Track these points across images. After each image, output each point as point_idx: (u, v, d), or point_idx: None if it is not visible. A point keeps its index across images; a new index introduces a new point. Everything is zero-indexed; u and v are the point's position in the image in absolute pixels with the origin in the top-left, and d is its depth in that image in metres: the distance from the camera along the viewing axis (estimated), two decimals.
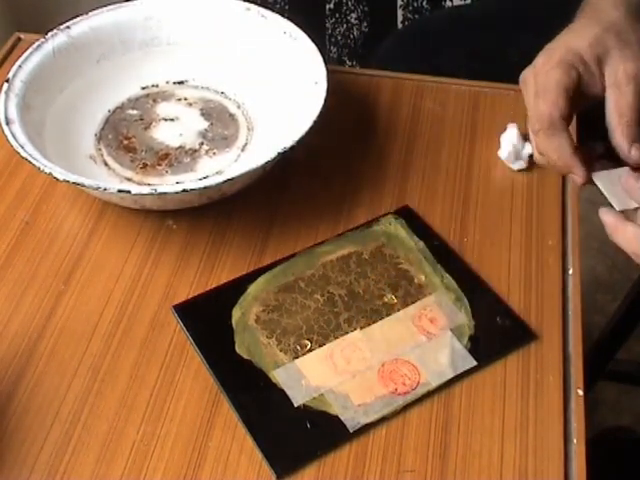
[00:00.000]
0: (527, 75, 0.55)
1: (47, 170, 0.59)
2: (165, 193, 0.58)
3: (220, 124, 0.71)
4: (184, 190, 0.58)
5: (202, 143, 0.69)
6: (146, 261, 0.62)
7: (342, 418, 0.52)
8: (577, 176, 0.52)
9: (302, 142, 0.61)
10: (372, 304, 0.58)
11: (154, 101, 0.73)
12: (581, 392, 0.54)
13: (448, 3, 1.51)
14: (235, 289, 0.59)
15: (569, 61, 0.52)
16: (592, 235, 1.48)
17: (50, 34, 0.70)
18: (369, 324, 0.57)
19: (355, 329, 0.56)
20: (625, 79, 0.51)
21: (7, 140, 0.61)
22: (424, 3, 1.49)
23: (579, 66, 0.52)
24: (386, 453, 0.51)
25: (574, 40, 0.53)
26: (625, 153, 0.52)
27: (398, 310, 0.58)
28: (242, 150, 0.68)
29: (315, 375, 0.54)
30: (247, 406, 0.52)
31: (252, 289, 0.59)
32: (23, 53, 0.68)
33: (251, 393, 0.53)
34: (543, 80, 0.52)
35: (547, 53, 0.54)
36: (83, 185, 0.58)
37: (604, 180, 0.52)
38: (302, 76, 0.68)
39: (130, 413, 0.53)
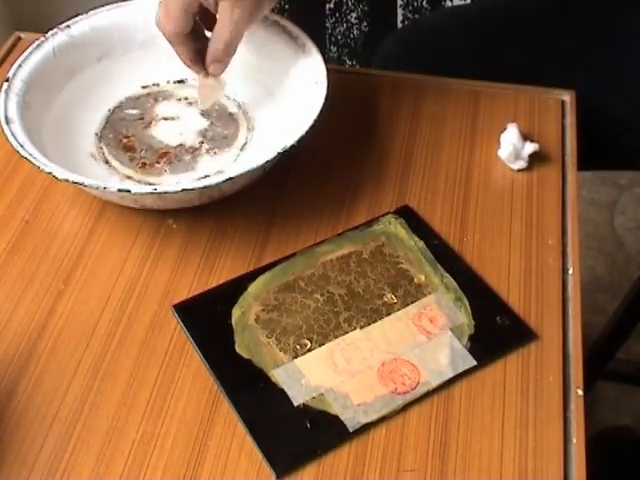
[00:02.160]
0: None
1: (47, 169, 0.59)
2: (165, 192, 0.58)
3: (220, 123, 0.71)
4: (184, 189, 0.58)
5: (202, 142, 0.69)
6: (146, 260, 0.62)
7: (342, 418, 0.52)
8: (195, 70, 0.65)
9: (302, 142, 0.61)
10: (372, 304, 0.58)
11: (154, 100, 0.73)
12: (581, 392, 0.54)
13: (448, 3, 1.51)
14: (235, 288, 0.59)
15: None
16: (592, 235, 1.49)
17: (50, 33, 0.70)
18: (369, 324, 0.57)
19: (355, 329, 0.57)
20: (227, 24, 0.60)
21: (7, 139, 0.61)
22: (424, 3, 1.49)
23: None
24: (386, 452, 0.51)
25: None
26: (207, 62, 0.64)
27: (398, 310, 0.58)
28: (242, 150, 0.68)
29: (315, 375, 0.54)
30: (247, 405, 0.53)
31: (252, 288, 0.59)
32: (23, 52, 0.68)
33: (251, 392, 0.53)
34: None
35: None
36: (83, 184, 0.58)
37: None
38: (302, 76, 0.68)
39: (130, 412, 0.53)
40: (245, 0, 0.59)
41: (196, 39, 0.64)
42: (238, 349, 0.56)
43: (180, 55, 0.64)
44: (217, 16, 0.61)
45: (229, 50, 0.63)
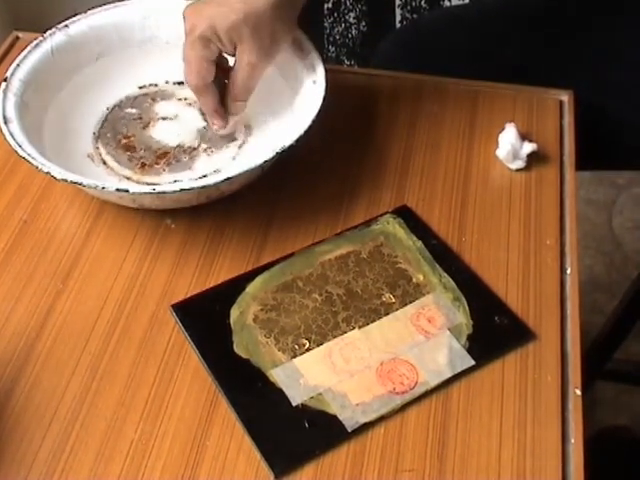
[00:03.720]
0: (187, 18, 0.62)
1: (45, 169, 0.59)
2: (163, 192, 0.58)
3: None
4: (182, 189, 0.58)
5: (200, 142, 0.69)
6: (144, 260, 0.62)
7: (340, 417, 0.52)
8: (217, 123, 0.66)
9: (300, 142, 0.61)
10: (370, 303, 0.58)
11: (153, 100, 0.73)
12: (579, 391, 0.54)
13: (446, 3, 1.51)
14: (233, 288, 0.59)
15: (208, 38, 0.60)
16: (590, 235, 1.49)
17: (48, 33, 0.70)
18: (367, 323, 0.57)
19: (353, 328, 0.57)
20: (244, 66, 0.62)
21: (5, 139, 0.61)
22: (422, 3, 1.49)
23: (215, 42, 0.61)
24: (384, 452, 0.51)
25: (218, 18, 0.60)
26: (227, 103, 0.66)
27: (396, 309, 0.58)
28: (240, 149, 0.68)
29: (313, 374, 0.54)
30: (245, 405, 0.52)
31: (250, 288, 0.59)
32: (21, 52, 0.68)
33: (249, 392, 0.53)
34: (189, 51, 0.61)
35: (194, 18, 0.61)
36: (81, 184, 0.58)
37: None
38: (300, 76, 0.68)
39: (128, 412, 0.53)
40: (262, 40, 0.61)
41: (220, 90, 0.65)
42: (236, 349, 0.56)
43: (204, 106, 0.66)
44: (235, 59, 0.62)
45: (248, 91, 0.64)
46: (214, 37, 0.60)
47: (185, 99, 0.73)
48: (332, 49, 1.61)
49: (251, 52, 0.61)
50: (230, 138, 0.69)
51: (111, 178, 0.66)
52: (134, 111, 0.72)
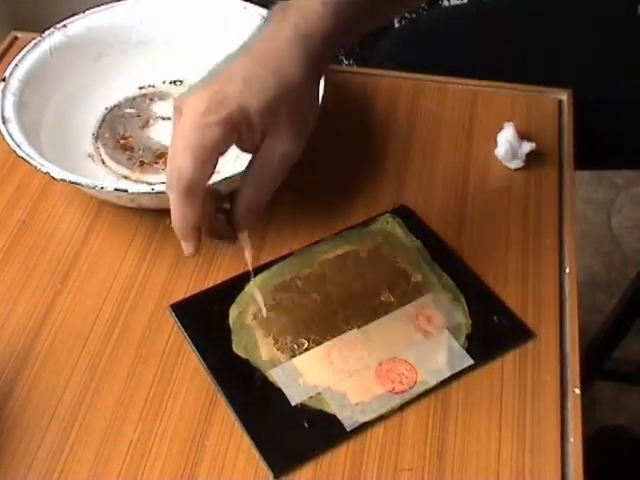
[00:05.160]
0: (183, 105, 0.45)
1: (44, 169, 0.59)
2: (162, 192, 0.58)
3: None
4: None
5: None
6: (143, 260, 0.62)
7: (339, 417, 0.52)
8: (188, 247, 0.47)
9: None
10: (369, 303, 0.58)
11: (151, 100, 0.73)
12: (578, 391, 0.54)
13: (445, 2, 1.52)
14: (232, 288, 0.59)
15: (235, 122, 0.45)
16: (589, 234, 1.49)
17: (47, 33, 0.70)
18: (366, 323, 0.57)
19: (352, 328, 0.57)
20: (277, 160, 0.47)
21: (4, 139, 0.61)
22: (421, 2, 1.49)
23: (243, 129, 0.45)
24: (383, 452, 0.51)
25: (249, 97, 0.45)
26: (235, 232, 0.50)
27: (395, 309, 0.58)
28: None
29: (312, 374, 0.54)
30: (244, 405, 0.52)
31: (249, 288, 0.59)
32: (20, 52, 0.68)
33: (248, 392, 0.53)
34: (200, 135, 0.44)
35: (211, 98, 0.44)
36: (80, 184, 0.58)
37: None
38: None
39: (127, 412, 0.53)
40: (299, 122, 0.47)
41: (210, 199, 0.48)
42: (235, 349, 0.56)
43: (188, 217, 0.46)
44: (260, 152, 0.48)
45: (272, 192, 0.49)
46: (244, 121, 0.45)
47: None
48: None
49: (286, 139, 0.47)
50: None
51: (110, 178, 0.66)
52: (133, 111, 0.72)
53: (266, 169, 0.48)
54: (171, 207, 0.46)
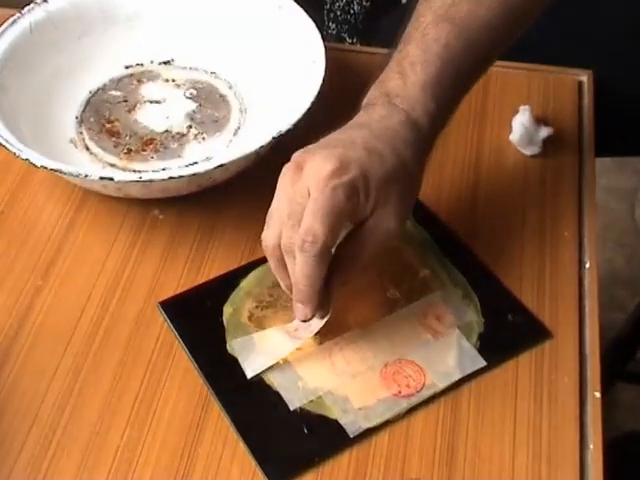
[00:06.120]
0: (305, 163, 0.50)
1: (24, 156, 0.59)
2: (151, 180, 0.58)
3: (210, 106, 0.70)
4: (171, 177, 0.58)
5: (190, 127, 0.69)
6: (130, 254, 0.62)
7: (342, 422, 0.52)
8: (305, 310, 0.51)
9: (299, 125, 0.61)
10: (374, 300, 0.58)
11: (139, 82, 0.73)
12: (598, 394, 0.54)
13: None
14: (226, 284, 0.59)
15: (357, 188, 0.49)
16: (610, 226, 1.49)
17: (26, 9, 0.70)
18: (371, 322, 0.57)
19: (356, 327, 0.56)
20: (380, 236, 0.51)
21: None
22: None
23: (361, 196, 0.50)
24: (389, 460, 0.51)
25: (370, 165, 0.50)
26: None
27: (402, 307, 0.58)
28: (234, 134, 0.68)
29: (313, 376, 0.54)
30: (239, 409, 0.52)
31: (244, 284, 0.59)
32: None
33: (244, 396, 0.53)
34: (329, 199, 0.48)
35: (341, 158, 0.49)
36: (62, 172, 0.58)
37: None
38: (299, 54, 0.68)
39: (114, 417, 0.53)
40: (406, 202, 0.52)
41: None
42: (230, 349, 0.56)
43: (312, 279, 0.49)
44: (366, 225, 0.51)
45: (366, 266, 0.53)
46: (363, 188, 0.49)
47: (173, 80, 0.73)
48: (332, 26, 1.61)
49: (393, 216, 0.51)
50: (223, 122, 0.68)
51: (94, 165, 0.66)
52: (119, 94, 0.72)
53: (369, 243, 0.51)
54: (298, 269, 0.50)
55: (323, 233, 0.48)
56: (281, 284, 0.53)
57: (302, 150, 0.52)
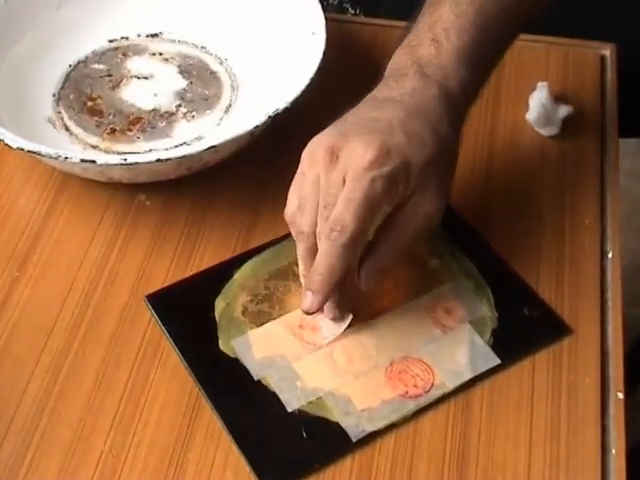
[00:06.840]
0: (341, 150, 0.51)
1: None
2: (136, 163, 0.58)
3: (200, 83, 0.70)
4: (158, 159, 0.58)
5: (179, 105, 0.69)
6: (114, 243, 0.61)
7: (343, 425, 0.52)
8: (313, 301, 0.52)
9: (297, 103, 0.61)
10: (378, 293, 0.58)
11: (124, 55, 0.72)
12: (621, 395, 0.54)
13: None
14: (218, 276, 0.59)
15: (397, 178, 0.50)
16: (634, 213, 1.49)
17: None
18: (375, 316, 0.57)
19: (359, 322, 0.56)
20: (421, 219, 0.53)
21: None
22: None
23: (400, 184, 0.51)
24: (395, 466, 0.51)
25: (411, 152, 0.51)
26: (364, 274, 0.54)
27: (409, 300, 0.57)
28: (226, 112, 0.68)
29: (312, 376, 0.54)
30: (233, 411, 0.53)
31: (238, 276, 0.59)
32: None
33: (237, 397, 0.53)
34: (366, 190, 0.49)
35: (382, 148, 0.50)
36: (40, 154, 0.58)
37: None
38: (297, 26, 0.68)
39: (97, 419, 0.53)
40: (446, 185, 0.54)
41: None
42: (222, 346, 0.55)
43: (335, 269, 0.50)
44: (405, 209, 0.52)
45: (401, 254, 0.54)
46: (404, 178, 0.51)
47: (160, 54, 0.72)
48: None
49: (434, 197, 0.52)
50: (214, 100, 0.68)
51: (75, 147, 0.66)
52: (102, 67, 0.71)
53: (409, 227, 0.53)
54: (320, 256, 0.51)
55: (353, 224, 0.49)
56: (302, 272, 0.54)
57: (331, 132, 0.52)
